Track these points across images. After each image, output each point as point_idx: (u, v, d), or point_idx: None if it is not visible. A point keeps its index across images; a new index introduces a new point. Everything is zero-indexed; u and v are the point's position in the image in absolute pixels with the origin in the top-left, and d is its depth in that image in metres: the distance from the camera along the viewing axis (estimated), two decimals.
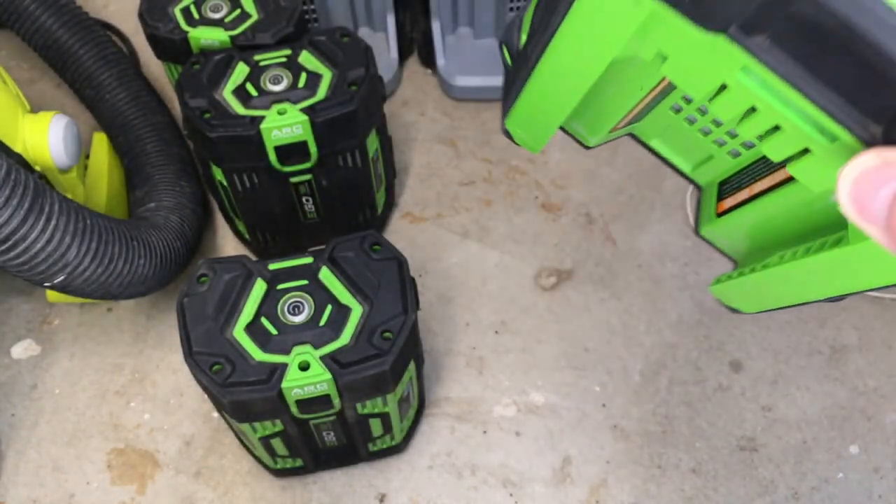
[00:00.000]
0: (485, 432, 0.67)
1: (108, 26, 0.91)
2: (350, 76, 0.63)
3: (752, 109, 0.26)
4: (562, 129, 0.40)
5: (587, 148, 0.43)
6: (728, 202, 0.41)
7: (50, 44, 0.77)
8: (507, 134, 0.41)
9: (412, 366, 0.57)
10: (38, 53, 0.79)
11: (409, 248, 0.77)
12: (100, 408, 0.69)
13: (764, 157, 0.38)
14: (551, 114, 0.35)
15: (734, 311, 0.40)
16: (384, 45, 0.88)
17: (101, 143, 0.77)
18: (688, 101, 0.38)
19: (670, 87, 0.36)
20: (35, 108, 0.66)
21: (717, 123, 0.39)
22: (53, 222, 0.53)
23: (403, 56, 0.90)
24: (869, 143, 0.23)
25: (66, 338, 0.73)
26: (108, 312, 0.74)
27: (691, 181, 0.44)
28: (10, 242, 0.51)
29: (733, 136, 0.39)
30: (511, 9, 0.83)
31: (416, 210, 0.80)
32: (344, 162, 0.66)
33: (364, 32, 0.89)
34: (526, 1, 0.84)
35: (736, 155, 0.40)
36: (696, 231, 0.44)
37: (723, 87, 0.26)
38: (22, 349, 0.73)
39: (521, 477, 0.65)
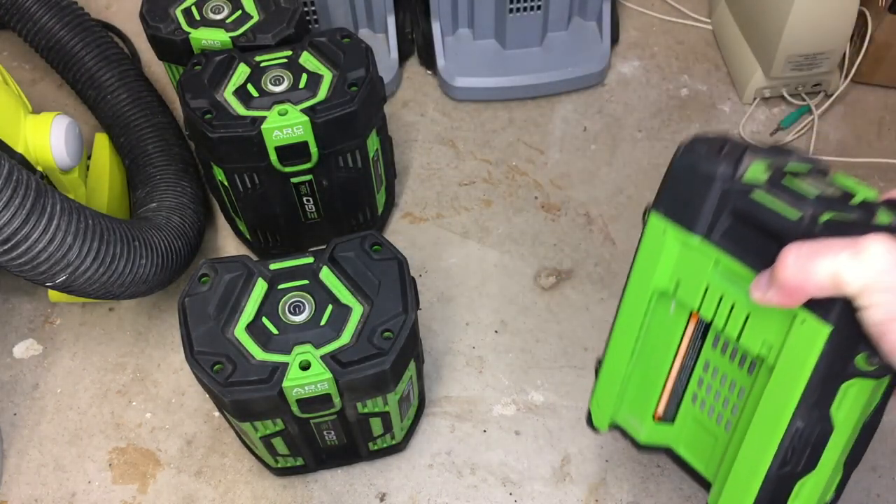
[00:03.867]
0: (485, 431, 0.67)
1: (109, 27, 0.92)
2: (350, 77, 0.64)
3: (731, 308, 0.40)
4: (617, 427, 0.52)
5: (639, 448, 0.50)
6: None
7: (52, 45, 0.77)
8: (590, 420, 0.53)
9: (412, 365, 0.57)
10: (40, 54, 0.79)
11: (410, 248, 0.77)
12: (101, 407, 0.69)
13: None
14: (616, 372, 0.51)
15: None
16: (384, 46, 0.88)
17: (102, 144, 0.77)
18: (705, 368, 0.46)
19: (690, 356, 0.46)
20: (37, 109, 0.66)
21: (719, 395, 0.46)
22: (55, 222, 0.53)
23: (403, 57, 0.90)
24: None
25: (68, 337, 0.73)
26: (109, 312, 0.75)
27: (704, 483, 0.48)
28: (12, 242, 0.51)
29: (726, 405, 0.45)
30: (510, 10, 0.83)
31: (416, 210, 0.80)
32: (344, 162, 0.66)
33: (364, 34, 0.89)
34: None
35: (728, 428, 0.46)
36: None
37: (720, 300, 0.41)
38: (24, 349, 0.73)
39: (520, 476, 0.65)
